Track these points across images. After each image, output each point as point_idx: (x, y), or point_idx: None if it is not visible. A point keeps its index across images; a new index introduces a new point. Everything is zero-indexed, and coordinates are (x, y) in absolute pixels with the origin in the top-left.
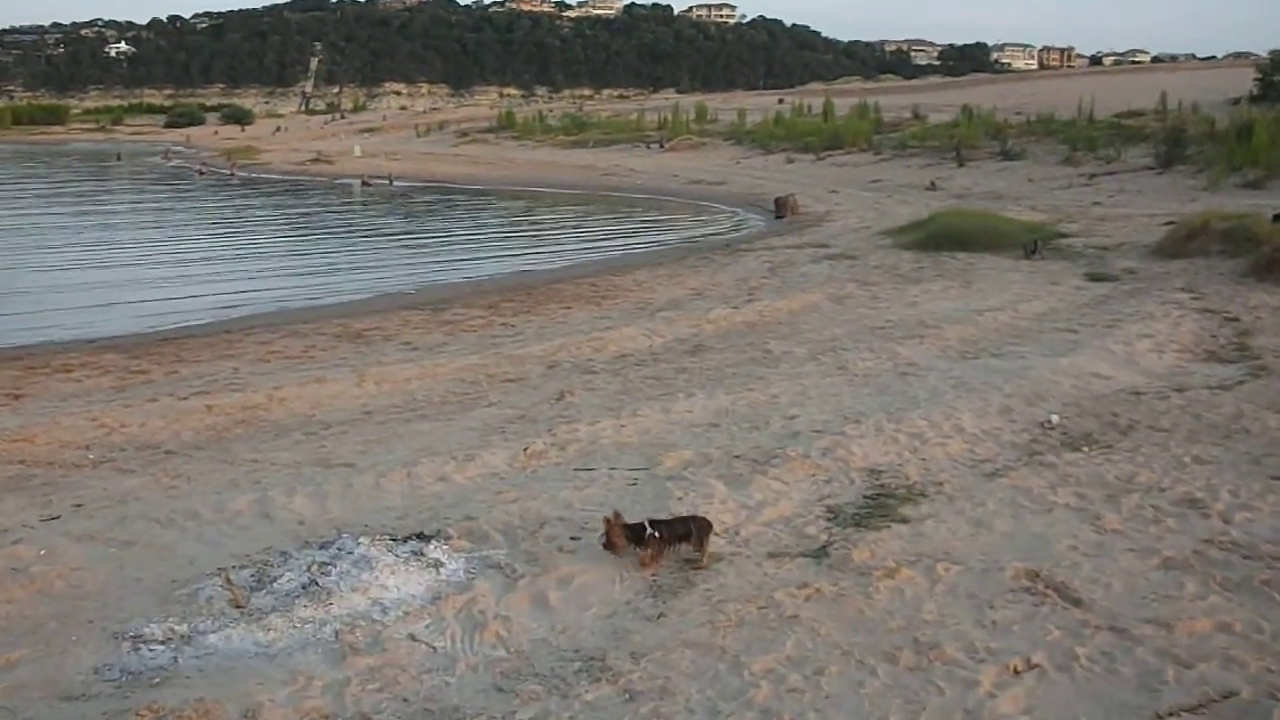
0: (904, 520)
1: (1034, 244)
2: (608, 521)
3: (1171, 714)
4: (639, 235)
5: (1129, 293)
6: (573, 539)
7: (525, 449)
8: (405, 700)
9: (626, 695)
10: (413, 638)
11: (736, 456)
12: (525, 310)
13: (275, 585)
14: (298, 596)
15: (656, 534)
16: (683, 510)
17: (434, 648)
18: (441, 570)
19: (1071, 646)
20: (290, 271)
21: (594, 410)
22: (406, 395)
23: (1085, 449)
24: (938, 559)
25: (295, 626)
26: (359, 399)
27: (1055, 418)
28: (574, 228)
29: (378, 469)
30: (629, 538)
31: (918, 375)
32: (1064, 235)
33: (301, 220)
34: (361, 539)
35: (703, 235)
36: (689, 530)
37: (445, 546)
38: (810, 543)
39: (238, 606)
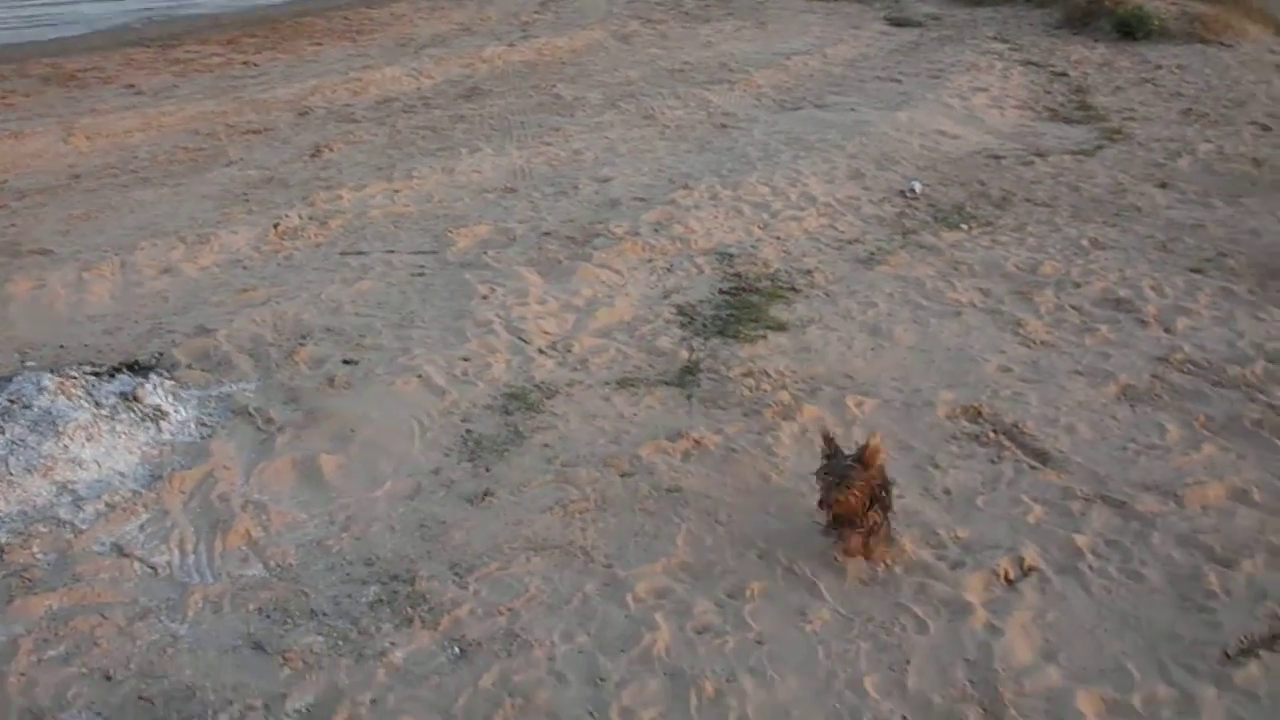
0: (780, 327)
1: None
2: (850, 482)
3: (1245, 650)
4: None
5: (940, 40)
6: (348, 363)
7: (276, 225)
8: (108, 678)
9: (455, 648)
10: (120, 551)
11: (546, 233)
12: (270, 46)
13: None
14: None
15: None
16: (494, 317)
17: (153, 568)
18: (164, 426)
19: (1067, 535)
20: None
21: (359, 171)
22: (125, 152)
23: (965, 227)
24: (842, 387)
25: None
26: (65, 158)
27: (918, 185)
28: None
29: (82, 258)
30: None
31: (739, 128)
32: None
33: None
34: (47, 379)
35: None
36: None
37: (169, 383)
38: (668, 363)
39: None
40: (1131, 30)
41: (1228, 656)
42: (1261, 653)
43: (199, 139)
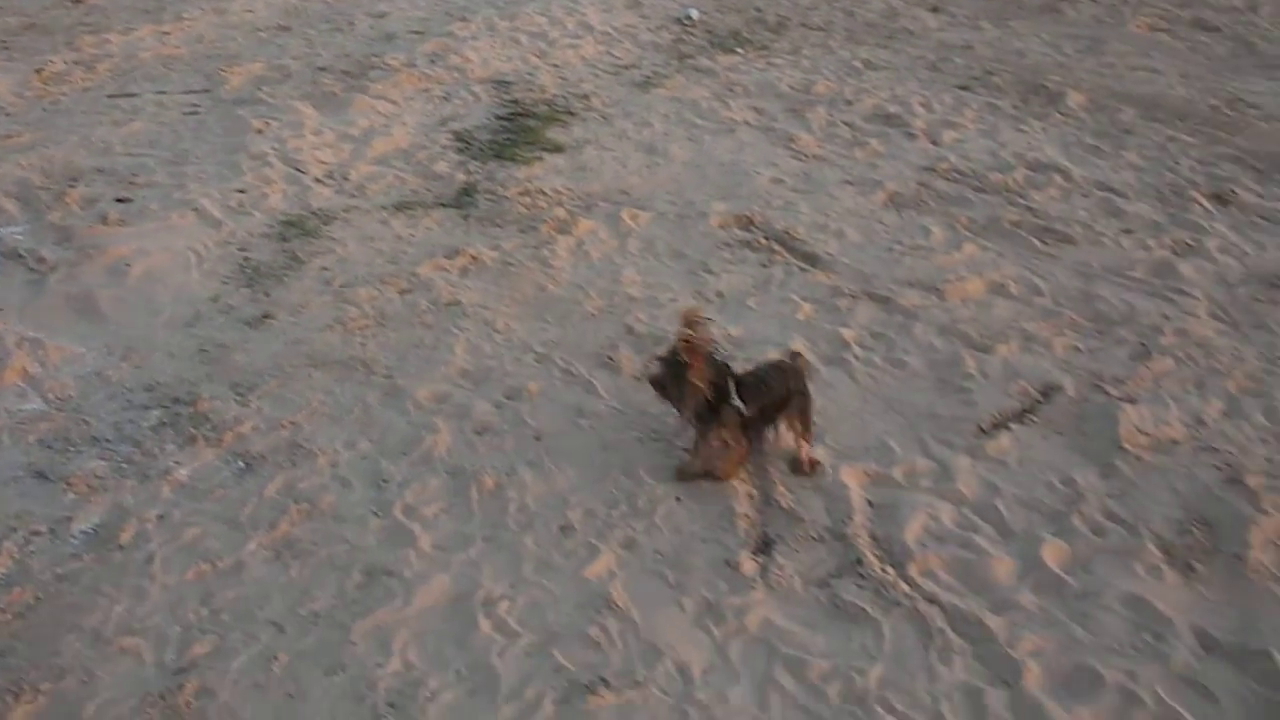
0: (557, 148)
1: None
2: (691, 343)
3: (997, 424)
4: None
5: None
6: (121, 201)
7: (39, 71)
8: None
9: (240, 462)
10: None
11: (322, 69)
12: None
13: None
14: None
15: (744, 406)
16: (269, 150)
17: None
18: None
19: (834, 329)
20: None
21: (126, 15)
22: None
23: (740, 51)
24: (618, 203)
25: None
26: None
27: (694, 12)
28: None
29: None
30: (712, 387)
31: None
32: None
33: None
34: None
35: None
36: (786, 394)
37: None
38: (445, 186)
39: None
40: None
41: (982, 430)
42: (1013, 425)
43: None
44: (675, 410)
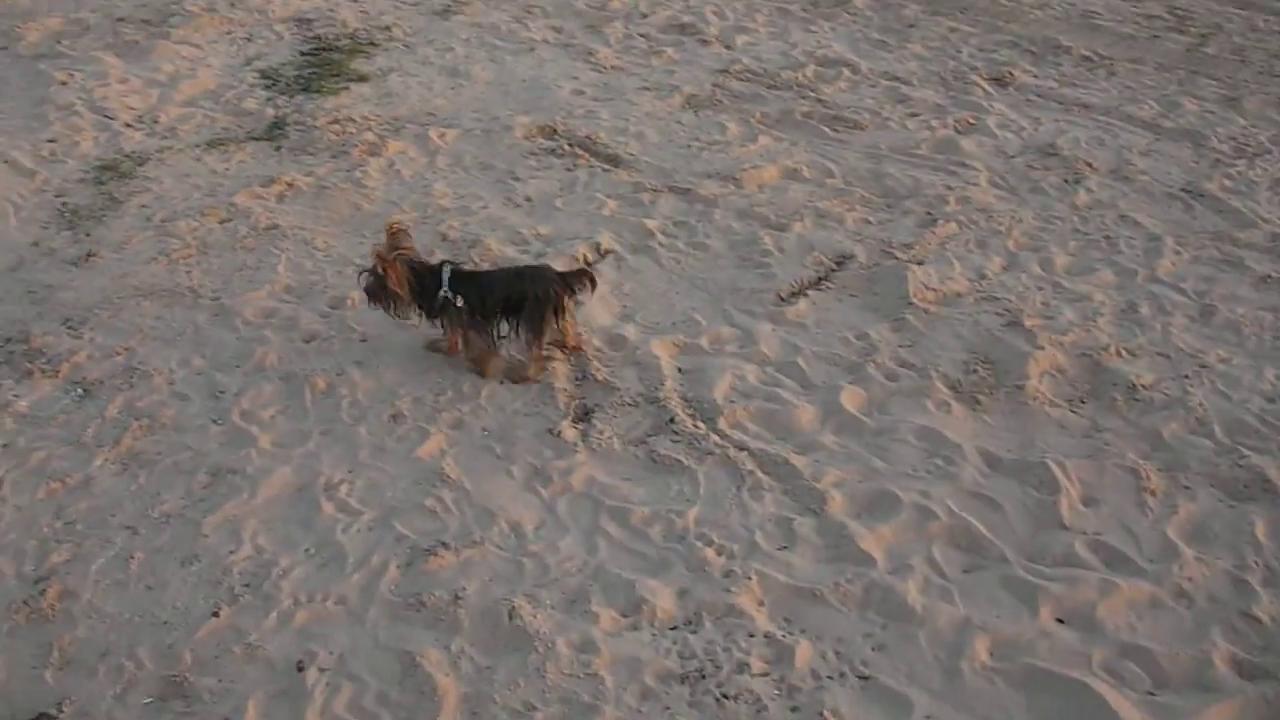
0: (362, 78)
1: None
2: (383, 254)
3: (795, 293)
4: None
5: None
6: None
7: None
8: None
9: (78, 390)
10: None
11: (120, 19)
12: None
13: None
14: None
15: (463, 301)
16: (75, 100)
17: None
18: None
19: (638, 221)
20: None
21: None
22: None
23: None
24: (425, 124)
25: None
26: None
27: None
28: None
29: None
30: (416, 293)
31: None
32: None
33: None
34: None
35: None
36: (521, 296)
37: None
38: (256, 121)
39: None
40: None
41: (781, 299)
42: (809, 292)
43: None
44: (394, 314)
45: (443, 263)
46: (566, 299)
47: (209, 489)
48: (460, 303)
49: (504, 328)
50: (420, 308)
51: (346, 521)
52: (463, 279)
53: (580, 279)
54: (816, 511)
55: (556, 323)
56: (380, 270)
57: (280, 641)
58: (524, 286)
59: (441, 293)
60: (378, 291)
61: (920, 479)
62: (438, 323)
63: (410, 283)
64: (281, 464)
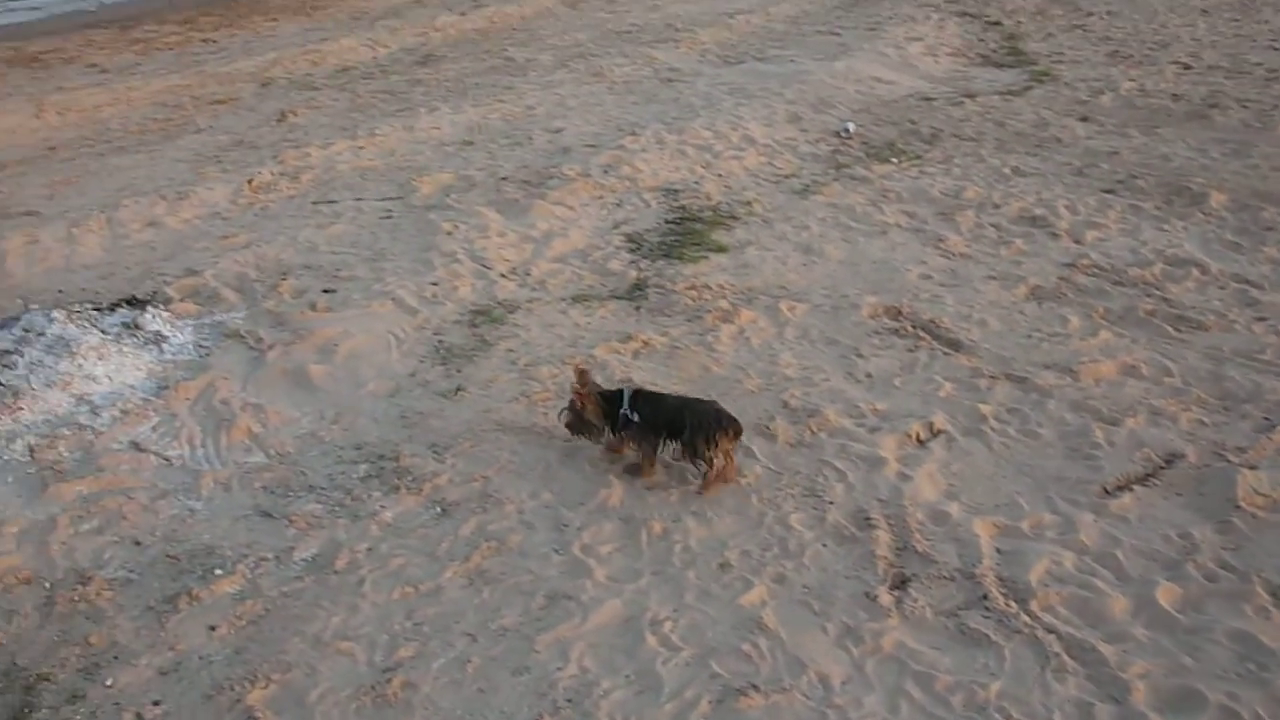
0: (721, 249)
1: None
2: (579, 390)
3: (1121, 486)
4: None
5: None
6: (327, 292)
7: (250, 181)
8: (137, 543)
9: (437, 508)
10: (137, 447)
11: (504, 178)
12: (226, 24)
13: None
14: None
15: (635, 418)
16: (458, 249)
17: (167, 459)
18: (165, 347)
19: (973, 404)
20: None
21: (324, 131)
22: (98, 125)
23: (895, 161)
24: (777, 296)
25: None
26: (39, 132)
27: (852, 126)
28: None
29: (69, 216)
30: (607, 416)
31: (684, 81)
32: None
33: None
34: (55, 312)
35: None
36: (682, 423)
37: (165, 313)
38: (619, 281)
39: None
40: None
41: (1106, 491)
42: (1135, 487)
43: (167, 110)
44: (594, 442)
45: (623, 385)
46: (719, 434)
47: (545, 610)
48: (635, 417)
49: (671, 446)
50: (610, 426)
51: (667, 655)
52: (639, 398)
53: (731, 423)
54: (1119, 700)
55: (708, 450)
56: (579, 405)
57: None
58: (684, 415)
59: (622, 410)
60: (577, 423)
61: (1230, 681)
62: (621, 435)
63: (602, 408)
64: (613, 596)
